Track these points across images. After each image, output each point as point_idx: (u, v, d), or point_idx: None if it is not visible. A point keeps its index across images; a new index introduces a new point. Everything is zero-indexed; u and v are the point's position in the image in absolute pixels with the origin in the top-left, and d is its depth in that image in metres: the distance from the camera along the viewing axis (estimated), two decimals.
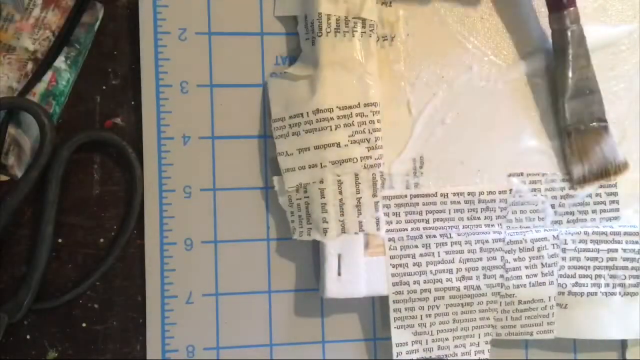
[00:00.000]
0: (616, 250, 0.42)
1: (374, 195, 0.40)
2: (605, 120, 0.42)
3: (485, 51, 0.43)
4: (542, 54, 0.43)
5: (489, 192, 0.42)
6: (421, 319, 0.41)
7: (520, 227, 0.42)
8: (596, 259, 0.42)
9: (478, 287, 0.41)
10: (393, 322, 0.40)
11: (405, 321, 0.41)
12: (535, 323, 0.42)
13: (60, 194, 0.40)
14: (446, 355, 0.41)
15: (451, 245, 0.41)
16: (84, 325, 0.40)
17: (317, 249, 0.41)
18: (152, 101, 0.41)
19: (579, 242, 0.42)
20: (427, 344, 0.41)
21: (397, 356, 0.40)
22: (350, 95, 0.40)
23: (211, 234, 0.41)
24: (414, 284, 0.40)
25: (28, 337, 0.40)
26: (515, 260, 0.41)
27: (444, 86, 0.42)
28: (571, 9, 0.41)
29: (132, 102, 0.41)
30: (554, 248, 0.41)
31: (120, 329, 0.41)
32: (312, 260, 0.42)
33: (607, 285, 0.42)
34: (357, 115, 0.40)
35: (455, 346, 0.41)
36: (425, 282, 0.41)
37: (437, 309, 0.41)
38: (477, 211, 0.42)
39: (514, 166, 0.42)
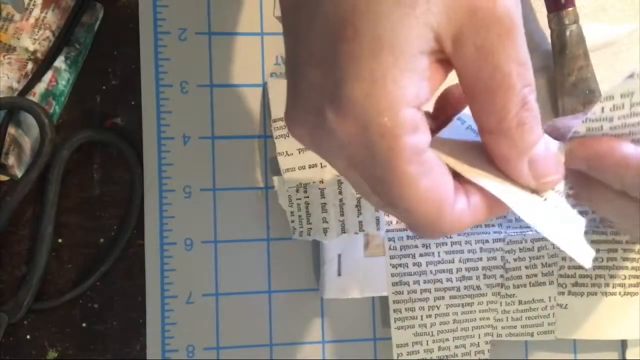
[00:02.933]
0: (616, 251, 0.42)
1: None
2: None
3: None
4: (541, 53, 0.43)
5: None
6: (421, 319, 0.41)
7: (520, 227, 0.42)
8: (596, 259, 0.42)
9: (478, 287, 0.41)
10: (393, 322, 0.40)
11: (405, 322, 0.41)
12: (535, 324, 0.42)
13: (60, 194, 0.40)
14: (446, 356, 0.41)
15: (451, 245, 0.41)
16: (84, 325, 0.40)
17: (317, 249, 0.41)
18: (152, 101, 0.41)
19: None
20: (427, 344, 0.41)
21: (398, 357, 0.40)
22: None
23: (211, 234, 0.41)
24: (414, 284, 0.40)
25: (28, 337, 0.40)
26: (515, 260, 0.41)
27: (444, 86, 0.42)
28: (570, 9, 0.41)
29: (132, 102, 0.41)
30: (554, 248, 0.41)
31: (120, 329, 0.41)
32: (312, 260, 0.42)
33: (607, 285, 0.42)
34: None
35: (456, 347, 0.41)
36: (425, 282, 0.41)
37: (438, 309, 0.41)
38: None
39: None
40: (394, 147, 0.23)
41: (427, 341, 0.41)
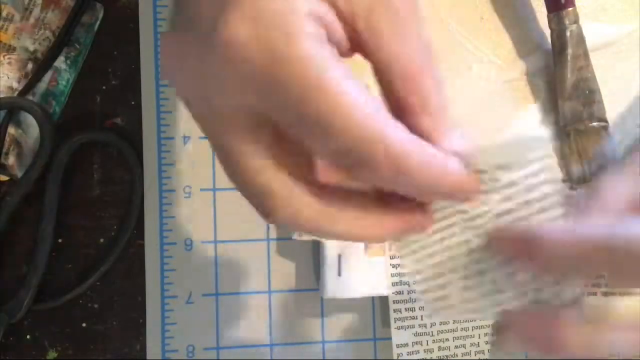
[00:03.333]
0: None
1: None
2: (605, 120, 0.42)
3: (485, 51, 0.43)
4: (541, 54, 0.43)
5: None
6: (421, 319, 0.41)
7: None
8: None
9: None
10: (393, 322, 0.40)
11: (405, 322, 0.41)
12: None
13: (60, 194, 0.40)
14: (446, 356, 0.41)
15: None
16: (84, 325, 0.40)
17: (317, 249, 0.41)
18: (152, 101, 0.41)
19: None
20: (427, 344, 0.41)
21: (398, 357, 0.40)
22: None
23: (211, 234, 0.41)
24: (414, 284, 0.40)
25: (28, 337, 0.40)
26: None
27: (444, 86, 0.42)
28: (570, 9, 0.41)
29: (132, 102, 0.41)
30: None
31: (120, 329, 0.41)
32: (312, 260, 0.42)
33: (607, 285, 0.42)
34: None
35: (456, 347, 0.41)
36: None
37: None
38: None
39: None
40: (306, 52, 0.20)
41: (427, 341, 0.41)
